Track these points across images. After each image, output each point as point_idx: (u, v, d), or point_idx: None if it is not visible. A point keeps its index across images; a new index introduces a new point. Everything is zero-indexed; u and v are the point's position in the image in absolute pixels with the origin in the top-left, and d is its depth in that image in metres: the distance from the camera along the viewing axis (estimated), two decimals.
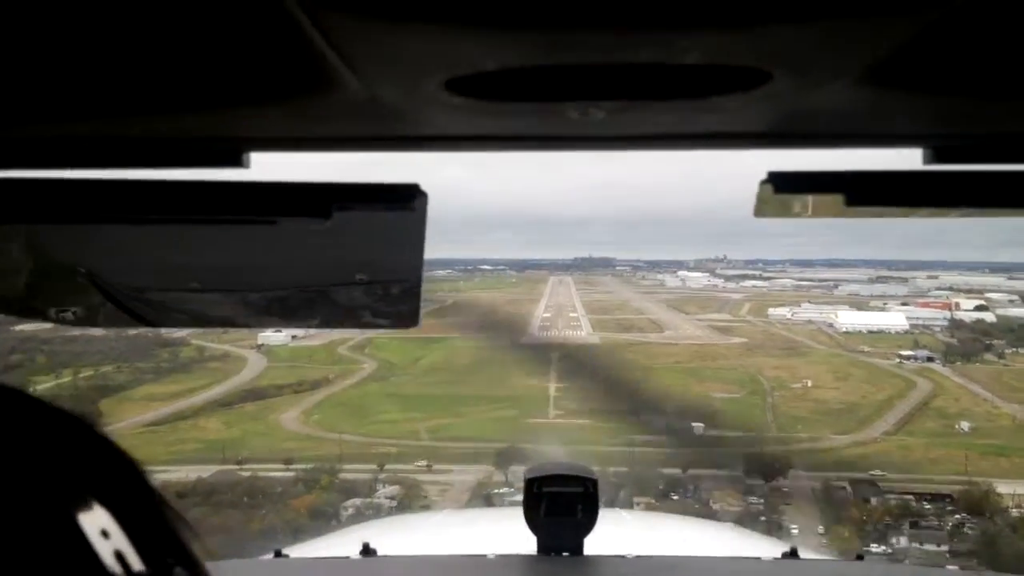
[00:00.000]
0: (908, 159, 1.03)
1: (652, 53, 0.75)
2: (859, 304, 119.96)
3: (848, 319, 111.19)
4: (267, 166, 1.03)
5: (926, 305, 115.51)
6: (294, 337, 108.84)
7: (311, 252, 1.18)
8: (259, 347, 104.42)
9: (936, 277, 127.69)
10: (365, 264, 1.22)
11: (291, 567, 3.36)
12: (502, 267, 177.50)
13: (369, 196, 0.94)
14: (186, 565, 0.62)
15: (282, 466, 64.47)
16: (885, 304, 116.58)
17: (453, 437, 70.00)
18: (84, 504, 0.55)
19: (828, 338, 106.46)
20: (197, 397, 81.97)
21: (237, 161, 1.01)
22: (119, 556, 0.54)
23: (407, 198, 0.93)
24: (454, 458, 64.84)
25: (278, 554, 3.50)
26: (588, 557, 3.09)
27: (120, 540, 0.55)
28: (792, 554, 3.45)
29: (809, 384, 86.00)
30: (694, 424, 73.70)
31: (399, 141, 1.06)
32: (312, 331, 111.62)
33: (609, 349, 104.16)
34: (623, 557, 3.12)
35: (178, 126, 0.99)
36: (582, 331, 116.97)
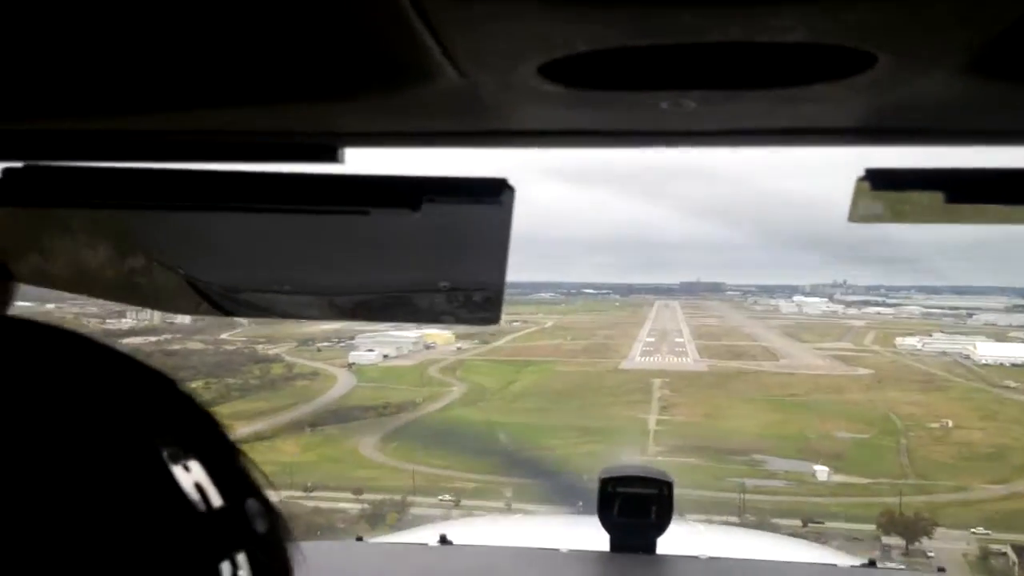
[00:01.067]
0: (1014, 158, 0.96)
1: (748, 31, 0.71)
2: (997, 335, 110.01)
3: (988, 351, 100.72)
4: (359, 162, 1.02)
5: None
6: (386, 357, 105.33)
7: (400, 246, 1.16)
8: (350, 366, 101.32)
9: None
10: (452, 259, 1.22)
11: (370, 551, 3.49)
12: (606, 291, 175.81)
13: (458, 190, 0.92)
14: (259, 499, 0.65)
15: (350, 495, 59.61)
16: None
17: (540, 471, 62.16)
18: (167, 439, 0.59)
19: (966, 371, 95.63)
20: (281, 417, 77.26)
21: (332, 156, 1.01)
22: (199, 488, 0.58)
23: (495, 192, 0.92)
24: (535, 497, 56.62)
25: (359, 539, 3.68)
26: (660, 556, 3.09)
27: (200, 474, 0.59)
28: (870, 565, 3.38)
29: (950, 424, 74.57)
30: (816, 468, 63.08)
31: (491, 136, 1.03)
32: (404, 351, 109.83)
33: (717, 378, 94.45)
34: (696, 558, 3.12)
35: (276, 121, 0.99)
36: (688, 357, 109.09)
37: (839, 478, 62.89)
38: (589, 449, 67.45)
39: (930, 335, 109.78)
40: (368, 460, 68.01)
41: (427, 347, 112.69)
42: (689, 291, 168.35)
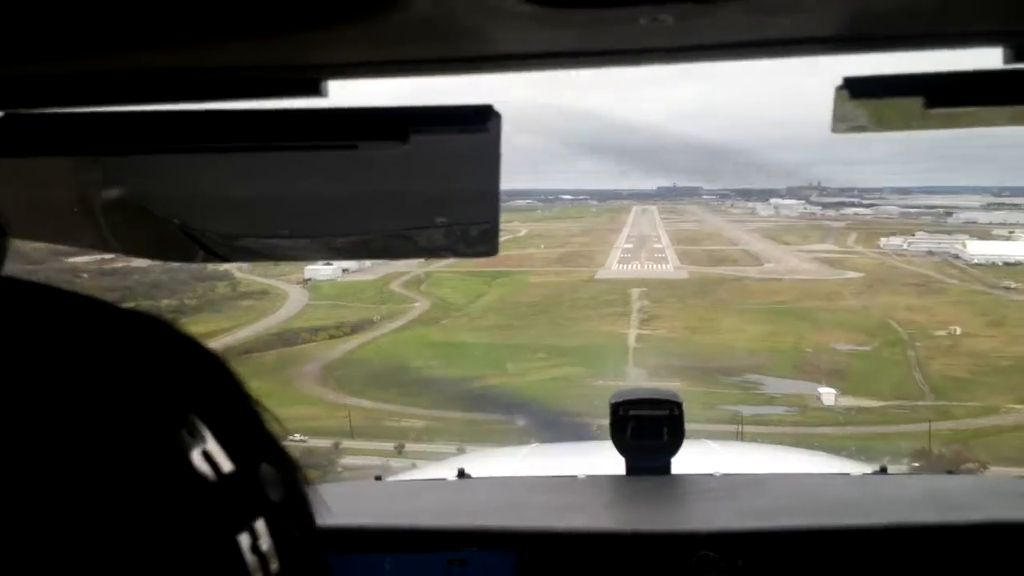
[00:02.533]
0: (989, 59, 0.95)
1: None
2: (981, 233, 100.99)
3: (979, 249, 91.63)
4: (345, 95, 1.01)
5: None
6: (345, 271, 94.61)
7: (390, 179, 1.15)
8: (305, 282, 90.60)
9: None
10: (444, 190, 1.20)
11: (389, 489, 3.47)
12: (583, 197, 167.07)
13: (444, 119, 0.91)
14: (274, 461, 0.61)
15: None
16: (1011, 232, 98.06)
17: (502, 405, 51.85)
18: (172, 403, 0.55)
19: (959, 272, 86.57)
20: (215, 343, 65.88)
21: (315, 90, 0.99)
22: (207, 456, 0.54)
23: (482, 119, 0.91)
24: (498, 437, 46.40)
25: (377, 479, 3.62)
26: (676, 476, 3.11)
27: (209, 440, 0.55)
28: (882, 471, 3.40)
29: (958, 331, 65.74)
30: (821, 390, 53.48)
31: (471, 62, 1.01)
32: (366, 264, 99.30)
33: (699, 286, 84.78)
34: (711, 475, 3.13)
35: (255, 55, 0.96)
36: (668, 264, 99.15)
37: (847, 401, 53.82)
38: (561, 373, 57.63)
39: (912, 234, 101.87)
40: (305, 394, 57.60)
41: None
42: (667, 196, 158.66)
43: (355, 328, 73.49)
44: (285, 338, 69.90)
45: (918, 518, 2.68)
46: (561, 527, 2.70)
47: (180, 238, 1.28)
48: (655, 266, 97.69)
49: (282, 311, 78.72)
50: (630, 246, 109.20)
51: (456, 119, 0.91)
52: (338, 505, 2.77)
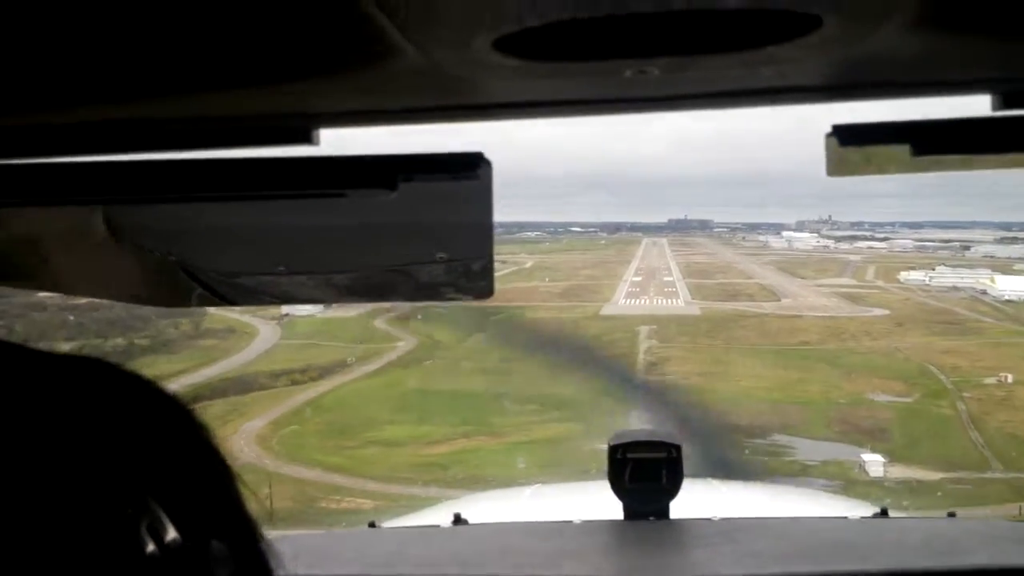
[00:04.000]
0: (978, 107, 0.97)
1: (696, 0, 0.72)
2: (1002, 268, 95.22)
3: (1008, 285, 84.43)
4: (336, 145, 1.01)
5: None
6: (328, 306, 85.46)
7: (381, 227, 1.13)
8: (282, 317, 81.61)
9: None
10: (435, 236, 1.18)
11: (384, 537, 3.39)
12: (593, 229, 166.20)
13: (433, 166, 0.90)
14: (229, 534, 0.57)
15: None
16: None
17: (475, 479, 41.31)
18: (117, 476, 0.52)
19: (992, 309, 78.42)
20: None
21: (307, 138, 0.99)
22: (152, 528, 0.51)
23: (471, 166, 0.90)
24: None
25: (372, 525, 3.57)
26: (674, 521, 3.06)
27: (156, 511, 0.52)
28: (882, 514, 3.33)
29: (1009, 379, 55.78)
30: (866, 457, 43.34)
31: (460, 110, 1.02)
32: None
33: (713, 323, 75.65)
34: (709, 519, 3.07)
35: (246, 105, 0.98)
36: (679, 299, 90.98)
37: (898, 472, 44.14)
38: (552, 433, 47.80)
39: (933, 269, 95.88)
40: (233, 460, 46.47)
41: None
42: (677, 228, 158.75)
43: (324, 372, 64.40)
44: (241, 384, 60.77)
45: (918, 563, 2.63)
46: (556, 575, 2.69)
47: (171, 281, 1.26)
48: (665, 301, 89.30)
49: (247, 352, 69.49)
50: (639, 279, 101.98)
51: (445, 167, 0.89)
52: (331, 554, 2.85)
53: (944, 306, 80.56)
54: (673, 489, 3.00)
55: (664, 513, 3.00)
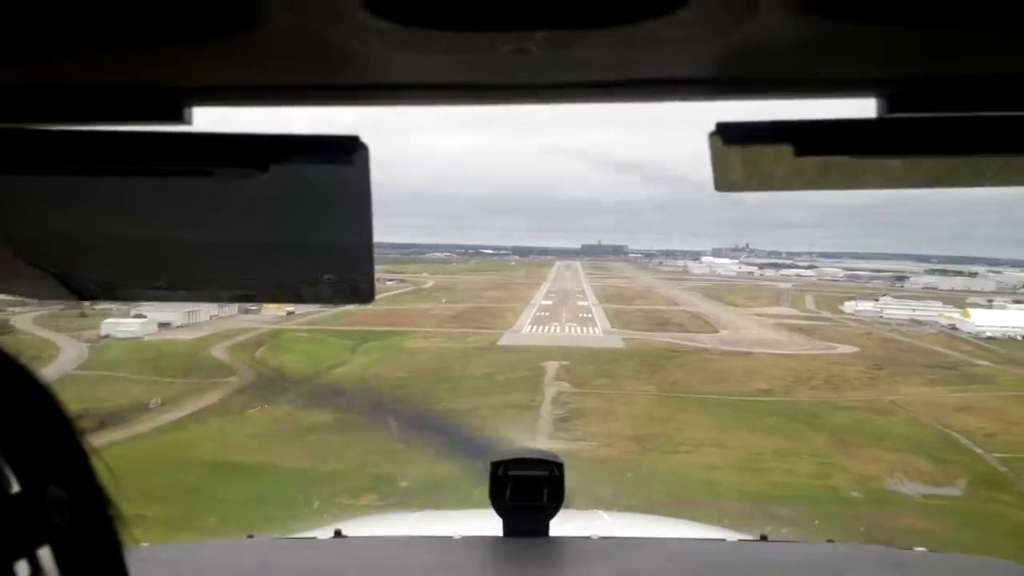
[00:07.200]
0: (864, 113, 0.95)
1: None
2: (953, 301, 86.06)
3: (987, 320, 73.28)
4: (216, 126, 0.94)
5: None
6: (163, 325, 62.37)
7: (250, 210, 1.04)
8: (99, 340, 58.58)
9: (1000, 272, 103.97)
10: (309, 225, 1.08)
11: (261, 547, 3.26)
12: (505, 252, 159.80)
13: (307, 148, 0.85)
14: (68, 483, 0.55)
15: None
16: (990, 301, 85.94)
17: None
18: None
19: (976, 348, 64.82)
20: None
21: (178, 116, 0.93)
22: None
23: (347, 150, 0.85)
24: None
25: (250, 537, 3.41)
26: (553, 538, 3.01)
27: None
28: (762, 539, 3.30)
29: None
30: None
31: (335, 90, 0.96)
32: (201, 319, 67.82)
33: (642, 360, 56.62)
34: (588, 538, 3.01)
35: (115, 74, 0.90)
36: (596, 327, 72.78)
37: None
38: None
39: (876, 300, 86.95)
40: None
41: (248, 311, 69.65)
42: (591, 254, 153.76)
43: (107, 420, 41.92)
44: None
45: None
46: None
47: (21, 271, 1.13)
48: (580, 329, 72.08)
49: None
50: (549, 302, 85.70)
51: (320, 149, 0.84)
52: (206, 564, 2.78)
53: (917, 343, 66.53)
54: (554, 508, 2.96)
55: (544, 531, 2.96)
